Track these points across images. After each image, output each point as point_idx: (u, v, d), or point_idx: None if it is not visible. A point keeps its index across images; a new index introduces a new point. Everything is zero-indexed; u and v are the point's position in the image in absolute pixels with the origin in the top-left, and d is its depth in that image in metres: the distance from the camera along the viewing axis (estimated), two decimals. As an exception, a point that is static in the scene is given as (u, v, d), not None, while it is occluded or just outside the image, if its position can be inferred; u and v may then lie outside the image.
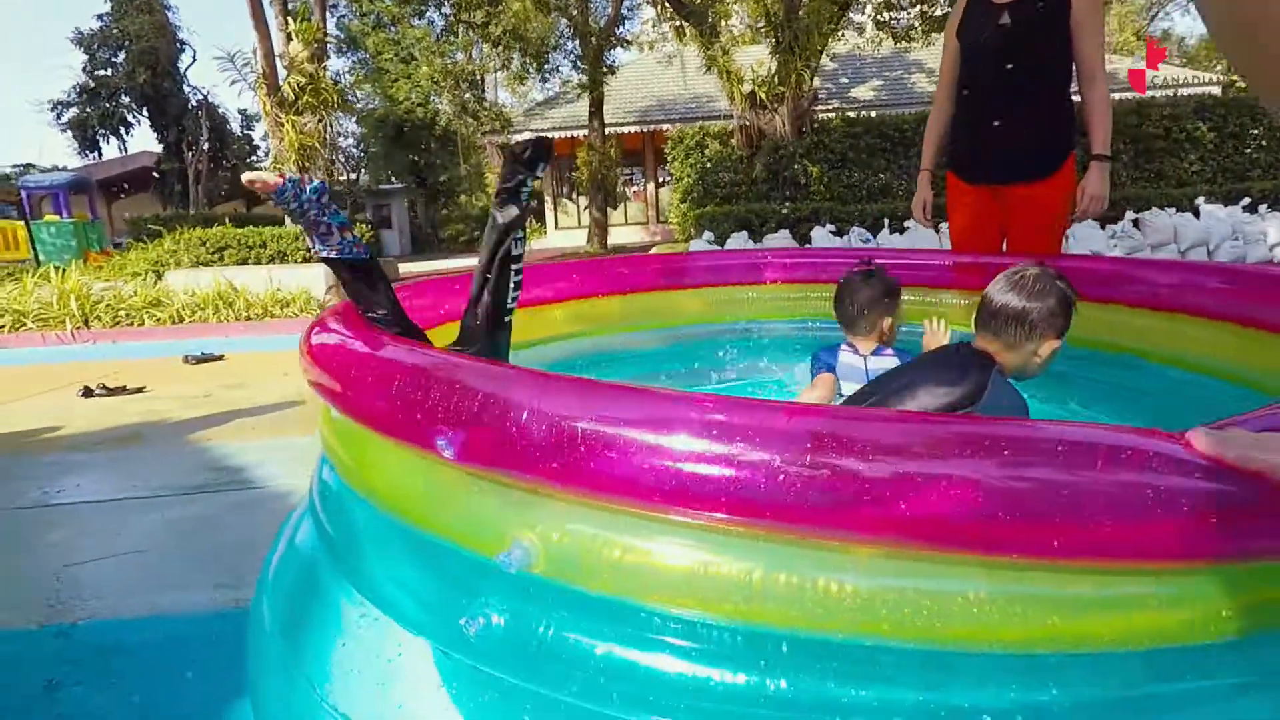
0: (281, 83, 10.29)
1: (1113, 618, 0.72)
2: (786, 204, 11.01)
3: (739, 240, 9.93)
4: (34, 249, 12.05)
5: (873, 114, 13.23)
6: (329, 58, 10.90)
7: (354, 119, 25.14)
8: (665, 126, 15.82)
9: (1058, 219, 2.88)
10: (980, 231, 2.97)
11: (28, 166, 28.58)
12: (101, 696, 1.67)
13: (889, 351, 2.32)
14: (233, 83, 10.58)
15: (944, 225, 3.67)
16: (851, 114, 13.23)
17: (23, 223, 12.38)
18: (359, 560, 1.14)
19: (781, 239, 10.04)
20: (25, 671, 1.75)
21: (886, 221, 10.11)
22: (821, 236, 9.75)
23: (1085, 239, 8.94)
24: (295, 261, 10.37)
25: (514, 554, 0.87)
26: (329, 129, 10.92)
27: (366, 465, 1.12)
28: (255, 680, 1.28)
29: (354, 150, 27.56)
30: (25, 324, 8.47)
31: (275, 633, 1.24)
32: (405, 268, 14.44)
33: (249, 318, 8.80)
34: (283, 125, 9.96)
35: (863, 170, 12.24)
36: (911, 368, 1.84)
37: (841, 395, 2.27)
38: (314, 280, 9.65)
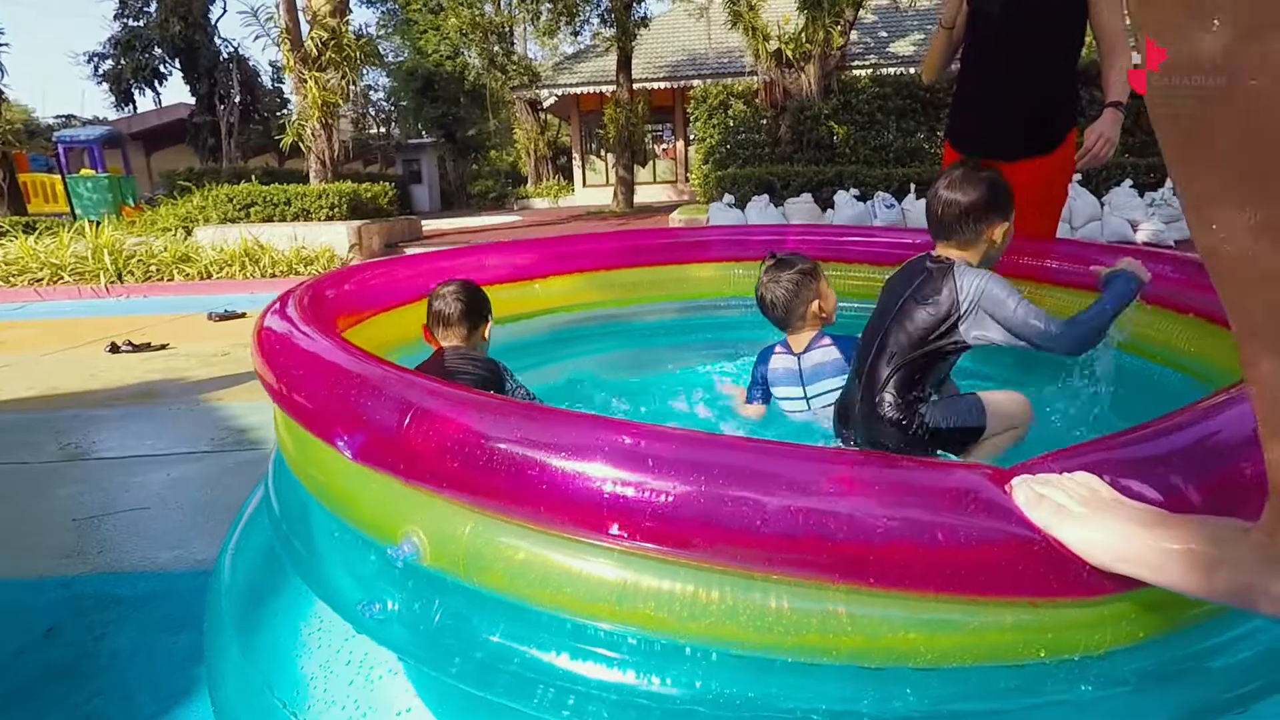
0: (304, 38, 10.29)
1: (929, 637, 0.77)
2: (810, 167, 10.82)
3: (760, 203, 9.81)
4: (70, 203, 12.41)
5: (912, 70, 12.82)
6: (351, 11, 10.84)
7: (385, 72, 25.08)
8: (696, 82, 15.49)
9: (1057, 193, 2.86)
10: None
11: (69, 118, 29.06)
12: (97, 645, 1.82)
13: (826, 340, 2.21)
14: (256, 37, 10.60)
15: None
16: (887, 71, 12.84)
17: (60, 177, 12.73)
18: (294, 539, 1.23)
19: (803, 204, 9.90)
20: (27, 619, 1.90)
21: (913, 186, 9.89)
22: (844, 201, 9.59)
23: (1123, 206, 8.68)
24: (319, 219, 10.53)
25: (403, 548, 0.94)
26: (353, 85, 10.93)
27: (298, 450, 1.21)
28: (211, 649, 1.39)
29: (385, 104, 27.55)
30: (62, 277, 8.77)
31: (232, 600, 1.35)
32: (432, 224, 14.53)
33: (274, 275, 9.00)
34: (306, 82, 9.99)
35: (892, 132, 11.95)
36: (890, 295, 1.90)
37: (781, 398, 2.25)
38: (337, 238, 9.80)
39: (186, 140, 21.44)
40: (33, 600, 2.00)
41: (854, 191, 9.78)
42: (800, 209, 9.81)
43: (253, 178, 11.19)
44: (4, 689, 1.66)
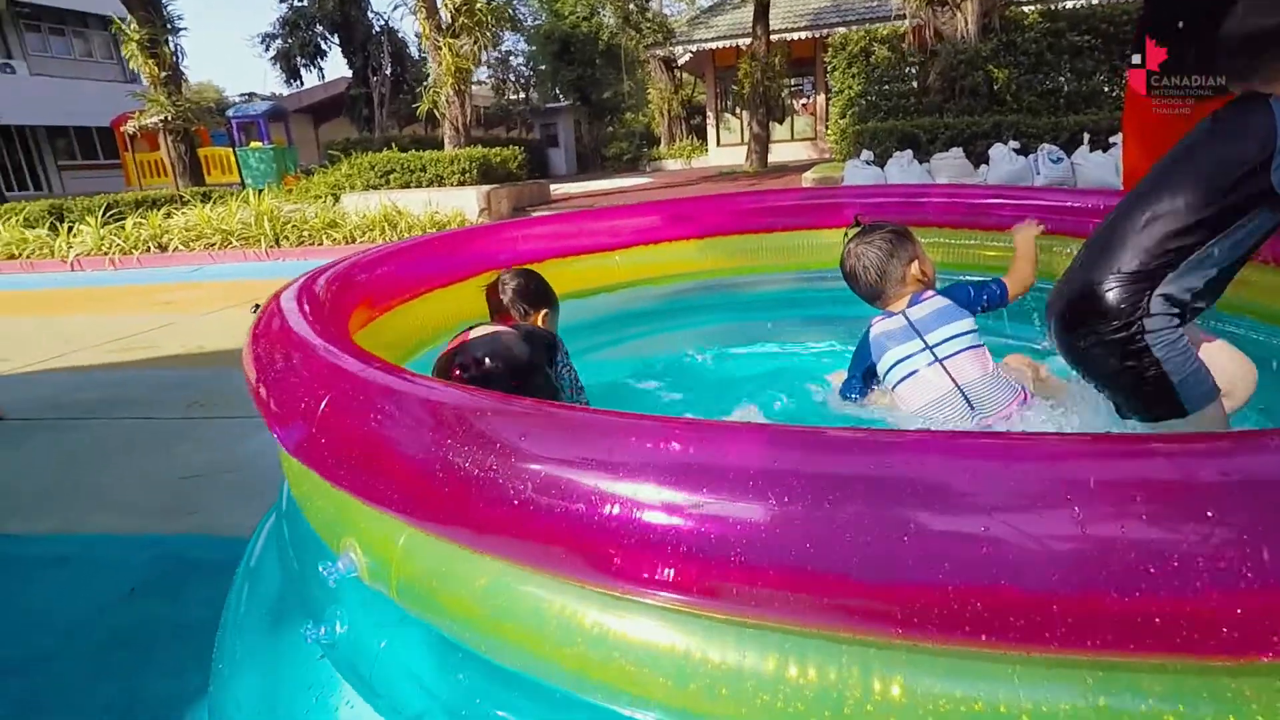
0: (439, 5, 10.51)
1: None
2: (963, 118, 9.79)
3: (902, 160, 9.01)
4: (241, 173, 13.61)
5: (1090, 1, 11.23)
6: (486, -24, 10.95)
7: (523, 37, 25.50)
8: (840, 30, 14.45)
9: None
10: None
11: (250, 96, 31.97)
12: (171, 608, 1.84)
13: (928, 293, 1.98)
14: (395, 7, 10.97)
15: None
16: (1062, 4, 11.33)
17: (232, 149, 14.02)
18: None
19: (952, 159, 8.98)
20: (114, 576, 1.97)
21: (1086, 137, 8.69)
22: (1001, 156, 8.59)
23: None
24: (451, 184, 10.85)
25: (340, 564, 0.77)
26: (487, 51, 11.07)
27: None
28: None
29: (524, 69, 28.08)
30: (230, 242, 9.61)
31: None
32: (562, 188, 14.67)
33: (403, 234, 9.41)
34: (440, 49, 10.22)
35: (1064, 74, 10.55)
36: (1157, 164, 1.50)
37: (895, 364, 1.94)
38: (467, 202, 10.06)
39: (343, 112, 22.91)
40: (125, 557, 2.08)
41: (1013, 144, 8.74)
42: (948, 165, 8.90)
43: (393, 145, 11.72)
44: (75, 649, 1.70)
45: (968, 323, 1.93)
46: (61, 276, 9.19)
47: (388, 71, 21.04)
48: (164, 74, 12.77)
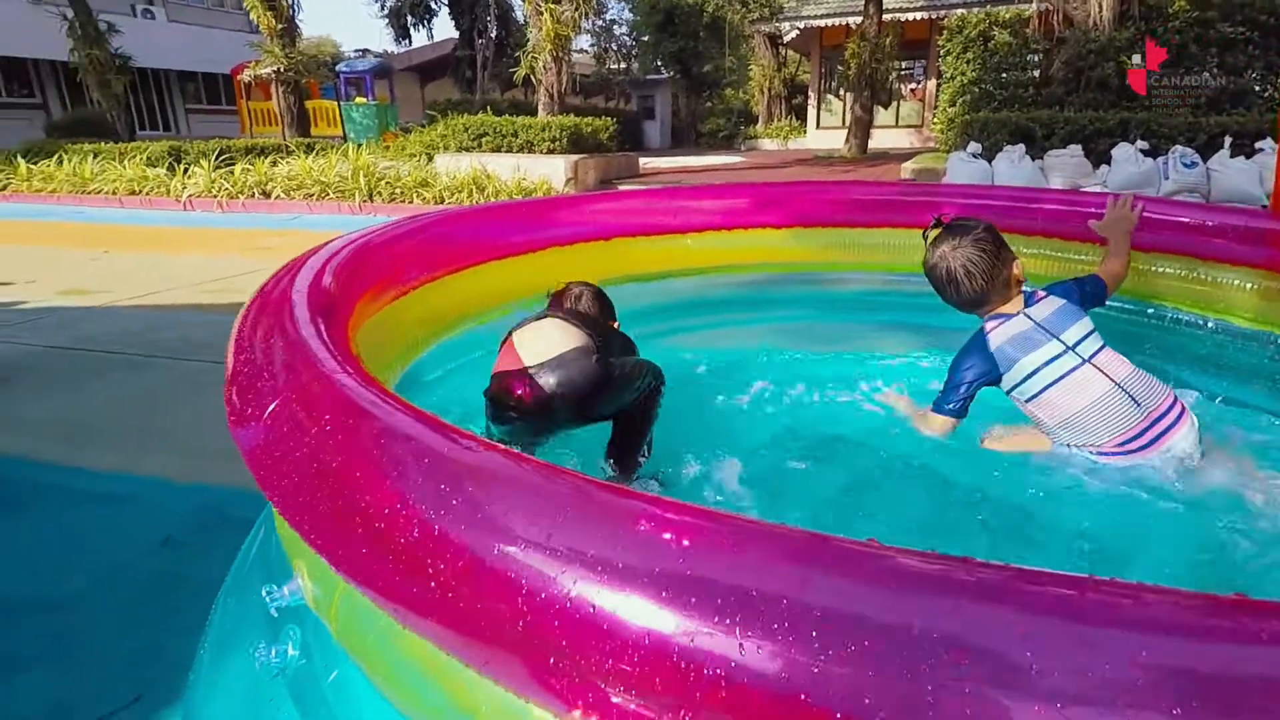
0: (544, -31, 10.45)
1: None
2: (1086, 112, 9.04)
3: (1012, 155, 8.40)
4: (344, 127, 14.07)
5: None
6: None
7: (628, 6, 25.23)
8: (959, 11, 13.58)
9: None
10: None
11: (364, 52, 32.99)
12: (203, 562, 1.86)
13: (1041, 293, 1.84)
14: (502, -29, 10.95)
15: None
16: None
17: (337, 103, 14.52)
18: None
19: (1068, 157, 8.30)
20: (151, 523, 2.01)
21: (1228, 140, 7.87)
22: (1125, 156, 7.89)
23: None
24: (541, 151, 10.85)
25: (287, 588, 0.70)
26: (588, 18, 10.97)
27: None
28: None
29: (626, 38, 27.83)
30: (328, 194, 9.94)
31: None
32: (652, 162, 14.49)
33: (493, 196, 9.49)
34: (541, 14, 10.17)
35: (1209, 70, 9.57)
36: None
37: (1035, 371, 1.78)
38: (554, 171, 10.05)
39: (448, 72, 23.33)
40: (170, 504, 2.13)
41: (1141, 144, 7.99)
42: (1064, 164, 8.23)
43: (488, 109, 11.82)
44: (109, 594, 1.74)
45: (1089, 321, 1.79)
46: (175, 215, 9.76)
47: (492, 34, 21.25)
48: (280, 26, 13.29)
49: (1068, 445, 1.80)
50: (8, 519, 2.10)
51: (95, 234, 8.01)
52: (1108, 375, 1.72)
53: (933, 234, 1.84)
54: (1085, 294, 1.86)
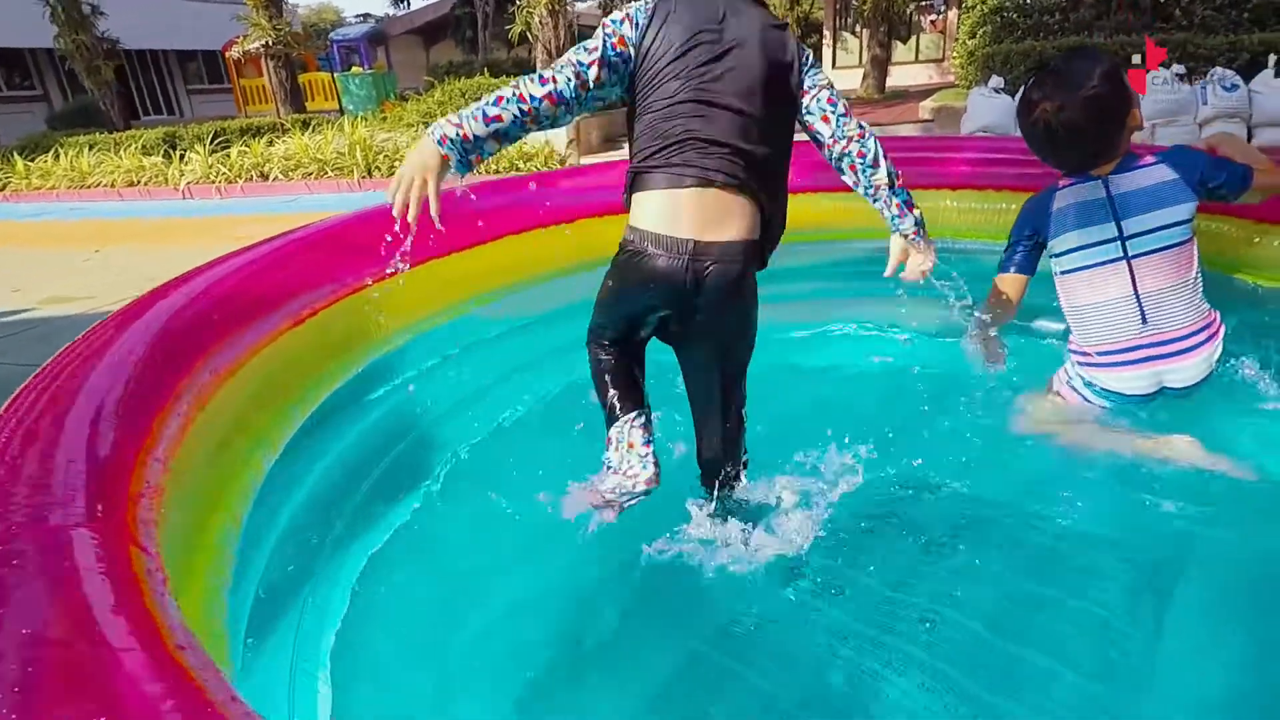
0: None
1: None
2: (1117, 37, 8.41)
3: (1037, 88, 7.86)
4: (340, 100, 13.71)
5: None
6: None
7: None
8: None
9: None
10: None
11: (365, 16, 32.34)
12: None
13: (1148, 158, 1.67)
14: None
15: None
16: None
17: (332, 75, 14.11)
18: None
19: (1099, 86, 7.75)
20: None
21: (1273, 59, 7.28)
22: (1161, 83, 7.32)
23: None
24: (541, 114, 10.45)
25: None
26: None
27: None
28: None
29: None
30: (326, 172, 9.70)
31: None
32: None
33: (496, 172, 9.16)
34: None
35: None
36: None
37: (1073, 250, 1.72)
38: (556, 134, 9.68)
39: (449, 33, 22.72)
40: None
41: (1176, 69, 7.43)
42: (1093, 94, 7.70)
43: (485, 71, 11.39)
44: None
45: (1185, 209, 1.63)
46: (175, 205, 9.61)
47: (490, -10, 20.54)
48: (265, -4, 12.80)
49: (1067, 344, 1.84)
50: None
51: (92, 231, 7.90)
52: (1133, 281, 1.64)
53: (1038, 82, 1.71)
54: (1208, 173, 1.64)
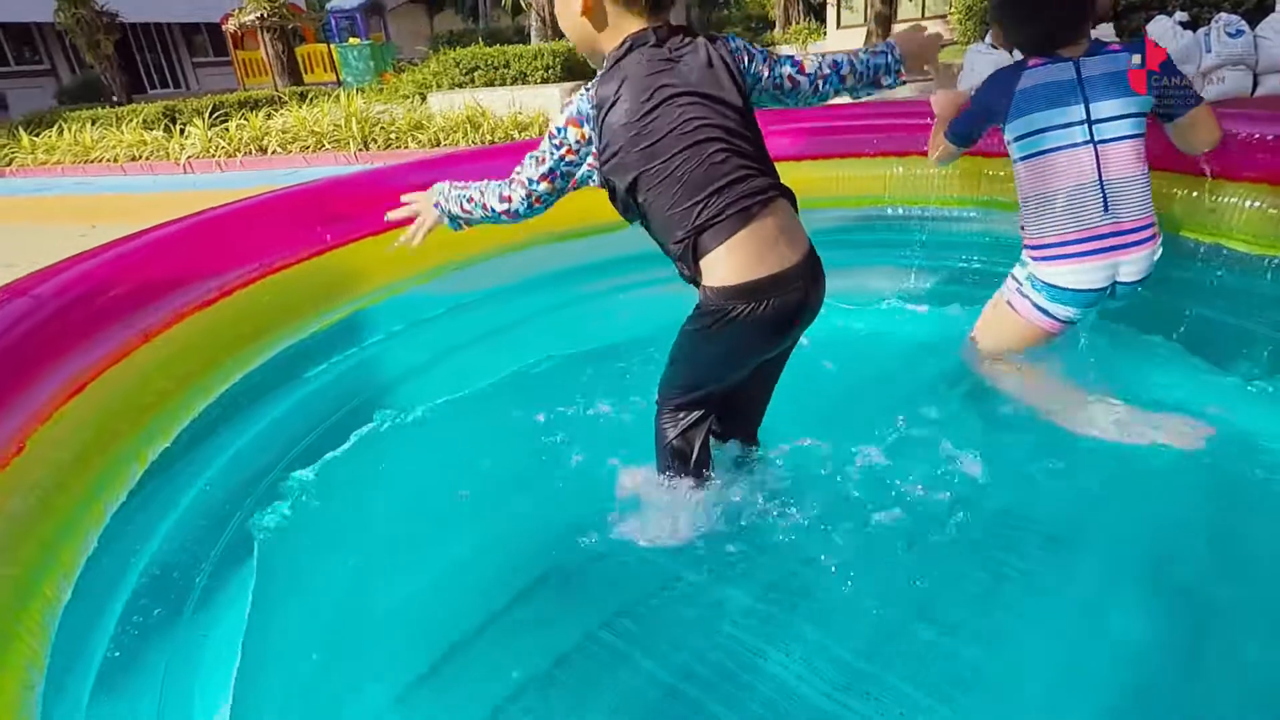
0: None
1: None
2: (1120, -15, 8.20)
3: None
4: (338, 72, 13.67)
5: None
6: None
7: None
8: (983, -118, 12.28)
9: None
10: None
11: (367, -14, 31.89)
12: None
13: (1114, 44, 1.69)
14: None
15: None
16: None
17: (329, 46, 14.06)
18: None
19: (1102, 34, 7.58)
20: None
21: (1280, 2, 7.08)
22: (1162, 31, 7.16)
23: None
24: (535, 82, 10.39)
25: None
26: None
27: None
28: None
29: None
30: (324, 145, 9.73)
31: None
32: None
33: (493, 141, 9.14)
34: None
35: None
36: None
37: (1037, 131, 1.71)
38: (551, 102, 9.62)
39: (450, 1, 22.47)
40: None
41: (1180, 16, 7.24)
42: (1093, 46, 7.54)
43: (479, 40, 11.28)
44: None
45: (1145, 101, 1.65)
46: (176, 179, 9.70)
47: (490, -45, 20.24)
48: (259, -35, 12.72)
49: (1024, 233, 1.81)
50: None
51: (92, 206, 8.01)
52: (1099, 166, 1.64)
53: None
54: (1163, 74, 1.65)
